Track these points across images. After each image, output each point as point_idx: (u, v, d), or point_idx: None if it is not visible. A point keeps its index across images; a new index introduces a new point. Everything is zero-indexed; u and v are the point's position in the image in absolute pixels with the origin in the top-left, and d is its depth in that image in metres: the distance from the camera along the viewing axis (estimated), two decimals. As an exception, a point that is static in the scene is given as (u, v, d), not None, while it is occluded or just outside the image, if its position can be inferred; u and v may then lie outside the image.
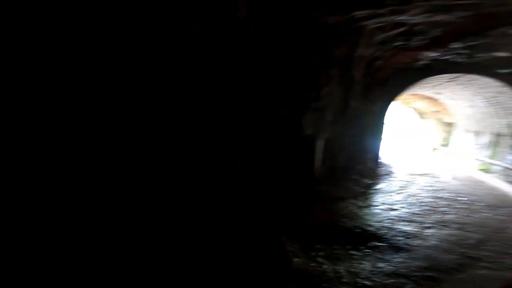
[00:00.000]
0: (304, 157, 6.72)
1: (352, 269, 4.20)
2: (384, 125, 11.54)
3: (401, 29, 7.23)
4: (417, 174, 11.90)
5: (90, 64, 2.85)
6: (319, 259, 4.41)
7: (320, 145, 7.11)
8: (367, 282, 3.89)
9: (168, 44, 3.52)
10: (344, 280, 3.90)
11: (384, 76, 10.13)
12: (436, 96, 17.59)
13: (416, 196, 8.55)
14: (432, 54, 9.62)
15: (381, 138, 11.56)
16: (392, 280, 3.97)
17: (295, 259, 4.31)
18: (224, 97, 4.38)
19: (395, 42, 7.90)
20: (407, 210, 7.12)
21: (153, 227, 3.50)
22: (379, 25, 6.83)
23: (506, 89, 11.23)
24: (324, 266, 4.19)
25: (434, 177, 11.72)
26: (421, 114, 21.92)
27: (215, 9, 4.05)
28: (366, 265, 4.36)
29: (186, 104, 3.84)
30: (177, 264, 3.56)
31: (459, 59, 10.18)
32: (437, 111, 20.57)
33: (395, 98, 11.67)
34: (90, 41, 2.81)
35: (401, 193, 8.73)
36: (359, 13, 5.81)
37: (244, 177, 5.36)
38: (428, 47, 8.75)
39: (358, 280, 3.93)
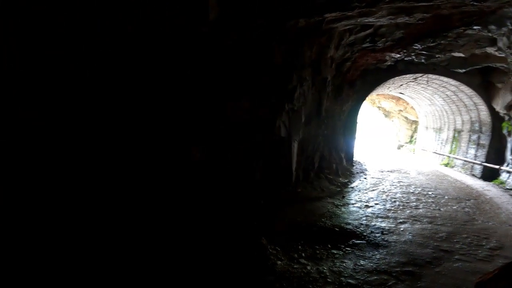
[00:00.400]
0: (281, 159, 6.70)
1: (335, 268, 4.21)
2: (357, 124, 11.81)
3: (368, 31, 7.47)
4: (387, 171, 12.33)
5: (90, 64, 2.83)
6: (302, 260, 4.38)
7: (295, 146, 7.14)
8: (351, 281, 3.91)
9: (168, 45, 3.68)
10: (328, 280, 3.89)
11: (353, 77, 10.43)
12: (401, 96, 18.44)
13: (388, 192, 8.83)
14: (396, 56, 10.05)
15: (354, 137, 11.81)
16: (374, 277, 4.02)
17: (279, 262, 4.24)
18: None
19: (363, 44, 8.15)
20: (381, 207, 7.31)
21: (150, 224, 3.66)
22: (348, 27, 7.01)
23: (463, 87, 11.94)
24: (308, 267, 4.16)
25: (402, 173, 12.20)
26: (388, 113, 22.86)
27: (187, 10, 3.95)
28: (348, 263, 4.39)
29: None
30: (166, 263, 3.45)
31: (420, 60, 10.73)
32: (401, 110, 21.58)
33: (365, 98, 12.03)
34: (90, 41, 2.80)
35: (375, 190, 8.98)
36: (329, 16, 5.91)
37: (224, 181, 5.25)
38: (392, 48, 9.13)
39: (342, 279, 3.94)
